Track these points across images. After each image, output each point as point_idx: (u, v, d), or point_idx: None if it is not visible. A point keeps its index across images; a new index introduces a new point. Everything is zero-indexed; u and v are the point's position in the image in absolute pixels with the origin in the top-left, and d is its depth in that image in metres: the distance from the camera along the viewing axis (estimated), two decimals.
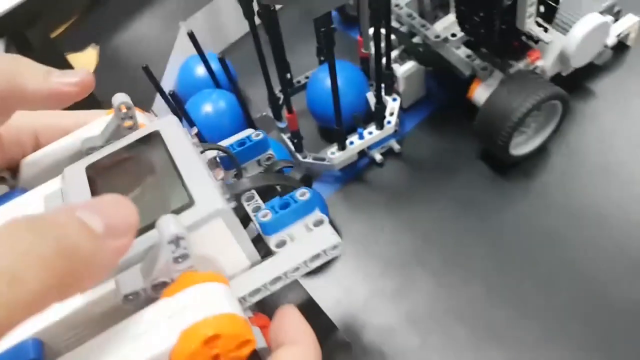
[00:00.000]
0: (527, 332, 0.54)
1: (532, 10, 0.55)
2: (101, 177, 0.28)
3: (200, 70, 0.74)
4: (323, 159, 0.65)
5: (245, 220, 0.30)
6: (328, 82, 0.56)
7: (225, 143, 0.34)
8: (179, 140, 0.29)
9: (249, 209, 0.31)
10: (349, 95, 0.64)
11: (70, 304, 0.24)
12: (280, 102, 0.66)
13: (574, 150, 0.65)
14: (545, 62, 0.63)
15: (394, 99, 0.67)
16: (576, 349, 0.52)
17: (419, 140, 0.71)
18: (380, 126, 0.65)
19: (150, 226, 0.24)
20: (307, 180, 0.36)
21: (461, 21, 0.61)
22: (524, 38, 0.60)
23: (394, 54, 0.68)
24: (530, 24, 0.56)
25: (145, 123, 0.32)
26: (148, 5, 1.05)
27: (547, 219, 0.60)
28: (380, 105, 0.63)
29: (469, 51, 0.65)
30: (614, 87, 0.70)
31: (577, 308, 0.54)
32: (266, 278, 0.27)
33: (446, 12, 0.68)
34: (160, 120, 0.31)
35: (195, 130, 0.35)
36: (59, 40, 1.01)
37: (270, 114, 0.68)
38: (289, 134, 0.66)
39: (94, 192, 0.28)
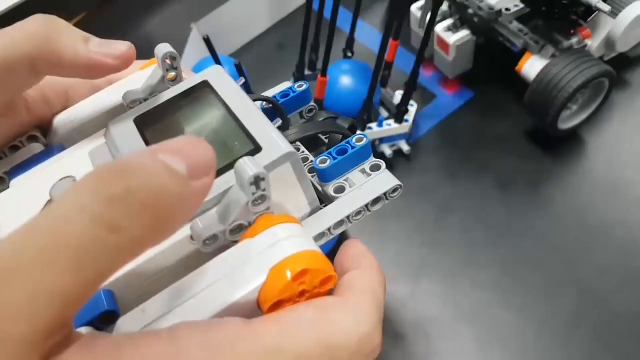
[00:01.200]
0: (533, 338, 0.56)
1: None
2: (152, 130, 0.27)
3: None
4: None
5: None
6: (347, 77, 0.62)
7: (268, 94, 0.33)
8: (230, 88, 0.28)
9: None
10: (363, 91, 0.66)
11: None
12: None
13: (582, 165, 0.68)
14: (594, 42, 0.66)
15: (412, 105, 0.69)
16: (580, 356, 0.54)
17: (429, 146, 0.72)
18: (399, 121, 0.67)
19: (221, 171, 0.24)
20: (353, 129, 0.34)
21: None
22: (575, 18, 0.62)
23: (448, 22, 0.70)
24: None
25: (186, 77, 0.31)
26: (158, 5, 1.02)
27: (555, 230, 0.63)
28: (407, 99, 0.65)
29: (520, 25, 0.67)
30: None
31: (581, 317, 0.56)
32: (330, 222, 0.27)
33: None
34: (206, 71, 0.30)
35: (242, 80, 0.34)
36: None
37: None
38: None
39: (147, 141, 0.27)
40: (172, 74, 0.30)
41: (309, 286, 0.23)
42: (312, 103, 0.34)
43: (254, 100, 0.30)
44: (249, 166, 0.22)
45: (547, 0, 0.60)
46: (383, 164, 0.29)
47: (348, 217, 0.27)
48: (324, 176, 0.28)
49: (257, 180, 0.22)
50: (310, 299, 0.23)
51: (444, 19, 0.71)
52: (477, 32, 0.70)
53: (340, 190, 0.28)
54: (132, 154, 0.19)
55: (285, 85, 0.34)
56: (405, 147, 0.70)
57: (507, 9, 0.67)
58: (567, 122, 0.66)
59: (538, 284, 0.59)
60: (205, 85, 0.29)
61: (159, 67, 0.29)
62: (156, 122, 0.28)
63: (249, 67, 0.74)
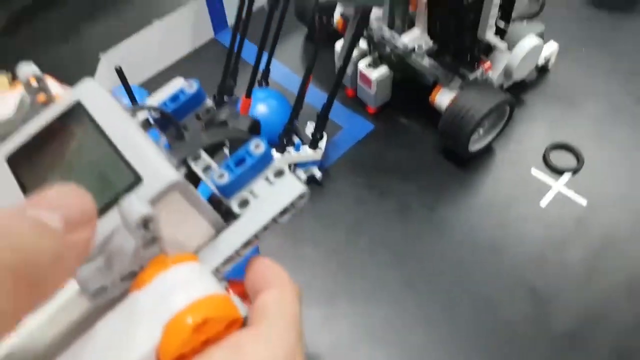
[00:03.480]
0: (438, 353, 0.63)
1: (492, 22, 0.66)
2: (26, 166, 0.24)
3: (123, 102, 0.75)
4: None
5: (193, 179, 0.27)
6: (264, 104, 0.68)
7: (156, 100, 0.30)
8: (105, 107, 0.25)
9: (197, 169, 0.27)
10: (281, 118, 0.71)
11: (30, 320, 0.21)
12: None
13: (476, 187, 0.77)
14: (494, 73, 0.76)
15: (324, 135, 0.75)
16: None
17: (338, 173, 0.79)
18: (313, 147, 0.73)
19: (102, 211, 0.21)
20: (255, 129, 0.31)
21: (431, 32, 0.72)
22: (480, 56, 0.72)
23: (368, 59, 0.77)
24: (490, 35, 0.68)
25: (62, 94, 0.27)
26: (70, 32, 1.04)
27: (451, 249, 0.71)
28: (322, 126, 0.71)
29: (431, 60, 0.76)
30: (538, 99, 0.85)
31: (479, 324, 0.64)
32: (236, 244, 0.24)
33: (412, 26, 0.79)
34: (77, 88, 0.26)
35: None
36: None
37: None
38: None
39: (22, 184, 0.24)
40: (41, 97, 0.26)
41: (212, 333, 0.21)
42: (208, 102, 0.30)
43: (140, 110, 0.28)
44: (134, 207, 0.19)
45: (453, 40, 0.69)
46: (286, 168, 0.26)
47: (255, 234, 0.25)
48: (224, 191, 0.25)
49: (145, 221, 0.20)
50: (218, 341, 0.21)
51: (364, 56, 0.79)
52: (394, 67, 0.77)
53: (245, 204, 0.25)
54: (2, 212, 0.17)
55: (175, 86, 0.30)
56: (317, 173, 0.75)
57: (419, 46, 0.75)
58: (477, 144, 0.75)
59: (438, 298, 0.67)
60: (77, 107, 0.25)
61: (25, 90, 0.26)
62: (30, 158, 0.25)
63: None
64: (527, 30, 0.75)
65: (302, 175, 0.74)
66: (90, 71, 0.84)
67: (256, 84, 0.75)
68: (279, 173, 0.26)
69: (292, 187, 0.25)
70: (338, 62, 0.64)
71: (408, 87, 0.82)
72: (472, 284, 0.68)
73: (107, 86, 0.80)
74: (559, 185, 0.76)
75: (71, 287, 0.21)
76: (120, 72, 0.63)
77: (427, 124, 0.81)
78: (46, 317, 0.21)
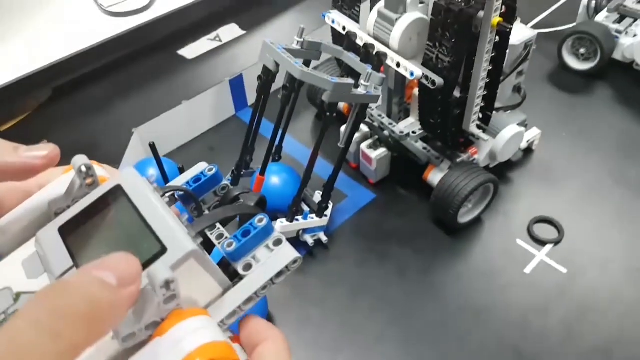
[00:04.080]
0: None
1: (475, 117, 0.78)
2: (75, 237, 0.30)
3: (152, 172, 0.80)
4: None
5: (209, 245, 0.33)
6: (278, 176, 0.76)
7: (181, 180, 0.36)
8: (140, 189, 0.31)
9: (212, 237, 0.33)
10: (291, 190, 0.81)
11: None
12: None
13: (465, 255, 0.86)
14: (480, 156, 0.86)
15: (330, 203, 0.84)
16: None
17: (342, 237, 0.88)
18: (320, 216, 0.83)
19: None
20: (262, 204, 0.38)
21: (423, 122, 0.83)
22: (470, 137, 0.83)
23: (369, 141, 0.89)
24: (473, 127, 0.79)
25: (107, 176, 0.34)
26: (103, 110, 1.16)
27: (443, 311, 0.78)
28: (327, 197, 0.81)
29: (424, 144, 0.87)
30: (523, 177, 0.96)
31: None
32: (239, 300, 0.30)
33: (407, 115, 0.91)
34: (120, 174, 0.32)
35: (153, 175, 0.35)
36: (8, 134, 1.07)
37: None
38: None
39: (71, 252, 0.29)
40: (89, 180, 0.32)
41: None
42: (224, 182, 0.37)
43: (168, 192, 0.34)
44: (160, 272, 0.25)
45: (441, 130, 0.80)
46: (284, 238, 0.32)
47: (255, 293, 0.30)
48: (232, 257, 0.31)
49: (167, 283, 0.25)
50: None
51: (366, 138, 0.90)
52: (392, 148, 0.88)
53: (248, 267, 0.31)
54: (72, 273, 0.24)
55: (200, 168, 0.37)
56: (323, 237, 0.84)
57: (413, 132, 0.86)
58: (465, 217, 0.85)
59: (431, 355, 0.74)
60: (118, 189, 0.31)
61: (77, 176, 0.32)
62: (78, 229, 0.30)
63: (184, 166, 0.84)
64: (510, 120, 0.86)
65: (310, 239, 0.83)
66: (124, 143, 0.95)
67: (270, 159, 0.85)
68: (278, 242, 0.31)
69: (287, 254, 0.31)
70: (341, 144, 0.74)
71: (405, 164, 0.92)
72: (462, 344, 0.75)
73: (139, 158, 0.91)
74: (541, 255, 0.85)
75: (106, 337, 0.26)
76: (153, 147, 0.72)
77: (422, 195, 0.91)
78: (86, 356, 0.24)
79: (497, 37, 0.68)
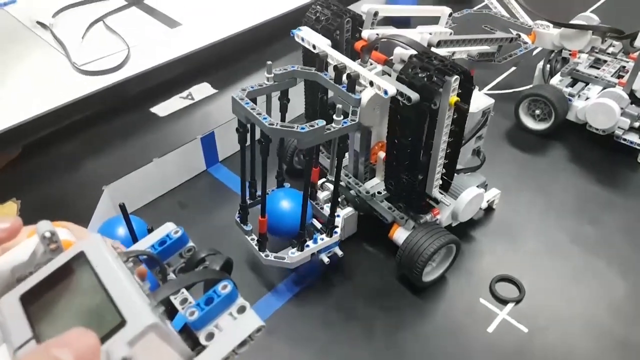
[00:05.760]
0: None
1: (437, 183, 0.81)
2: (36, 306, 0.30)
3: (121, 231, 0.83)
4: (283, 258, 0.83)
5: (173, 310, 0.33)
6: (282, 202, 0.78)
7: (147, 242, 0.36)
8: (103, 257, 0.31)
9: (176, 302, 0.33)
10: (297, 212, 0.83)
11: None
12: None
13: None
14: (443, 216, 0.90)
15: (338, 216, 0.87)
16: None
17: (308, 297, 0.89)
18: (330, 234, 0.85)
19: None
20: (228, 266, 0.37)
21: (387, 184, 0.87)
22: (432, 201, 0.86)
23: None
24: (435, 192, 0.82)
25: (71, 239, 0.34)
26: (73, 166, 1.16)
27: None
28: (334, 209, 0.83)
29: (389, 204, 0.90)
30: (485, 236, 0.99)
31: None
32: None
33: (372, 175, 0.94)
34: (84, 241, 0.32)
35: (117, 241, 0.35)
36: None
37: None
38: (252, 236, 0.84)
39: (32, 322, 0.29)
40: (53, 246, 0.32)
41: None
42: (190, 244, 0.37)
43: (133, 256, 0.34)
44: (117, 349, 0.25)
45: (405, 193, 0.83)
46: (248, 305, 0.31)
47: None
48: (194, 326, 0.31)
49: None
50: None
51: None
52: (358, 207, 0.91)
53: (211, 336, 0.30)
54: (30, 352, 0.25)
55: (166, 230, 0.36)
56: (339, 252, 0.87)
57: (379, 192, 0.90)
58: (429, 275, 0.87)
59: None
60: (81, 256, 0.31)
61: (41, 242, 0.32)
62: (39, 298, 0.30)
63: (153, 223, 0.82)
64: (470, 182, 0.90)
65: (325, 258, 0.86)
66: (94, 201, 0.95)
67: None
68: (242, 309, 0.31)
69: (251, 323, 0.31)
70: (330, 176, 0.76)
71: (371, 222, 0.95)
72: None
73: (109, 215, 0.92)
74: (503, 314, 0.87)
75: None
76: (122, 208, 0.72)
77: (389, 253, 0.93)
78: None
79: (455, 113, 0.73)
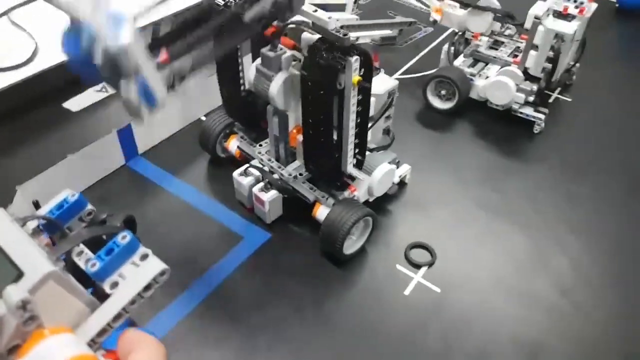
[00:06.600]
0: None
1: (351, 160, 0.87)
2: None
3: None
4: None
5: (82, 274, 0.32)
6: None
7: (45, 209, 0.36)
8: None
9: (80, 262, 0.33)
10: None
11: None
12: None
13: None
14: (359, 192, 0.96)
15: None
16: None
17: (237, 281, 0.92)
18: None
19: None
20: (131, 224, 0.40)
21: (307, 166, 0.91)
22: (347, 178, 0.92)
23: (261, 185, 0.95)
24: (350, 169, 0.88)
25: None
26: None
27: (337, 338, 0.86)
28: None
29: (311, 185, 0.95)
30: (399, 208, 1.07)
31: None
32: (107, 318, 0.30)
33: (294, 159, 0.98)
34: None
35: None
36: None
37: None
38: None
39: None
40: None
41: None
42: (89, 207, 0.37)
43: (30, 220, 0.34)
44: (14, 294, 0.25)
45: (324, 171, 0.88)
46: (150, 252, 0.31)
47: (124, 309, 0.30)
48: (98, 276, 0.31)
49: (24, 304, 0.25)
50: None
51: (257, 182, 0.96)
52: (282, 190, 0.95)
53: (115, 285, 0.31)
54: None
55: (62, 196, 0.37)
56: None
57: (300, 174, 0.94)
58: (350, 248, 0.93)
59: None
60: None
61: None
62: None
63: None
64: (382, 159, 0.97)
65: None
66: (7, 202, 0.92)
67: None
68: (144, 257, 0.31)
69: (154, 267, 0.31)
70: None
71: (296, 203, 1.00)
72: None
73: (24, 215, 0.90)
74: (418, 277, 0.95)
75: None
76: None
77: (313, 231, 0.98)
78: None
79: (360, 94, 0.78)
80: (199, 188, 1.10)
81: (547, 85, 1.24)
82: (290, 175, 0.93)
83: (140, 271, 0.31)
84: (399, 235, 1.02)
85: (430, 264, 0.97)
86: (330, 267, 0.95)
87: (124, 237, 0.31)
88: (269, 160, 0.96)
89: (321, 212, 0.93)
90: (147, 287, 0.31)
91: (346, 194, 0.94)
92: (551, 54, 1.18)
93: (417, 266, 0.96)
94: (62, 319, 0.29)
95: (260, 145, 1.01)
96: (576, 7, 1.21)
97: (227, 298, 0.90)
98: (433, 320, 0.89)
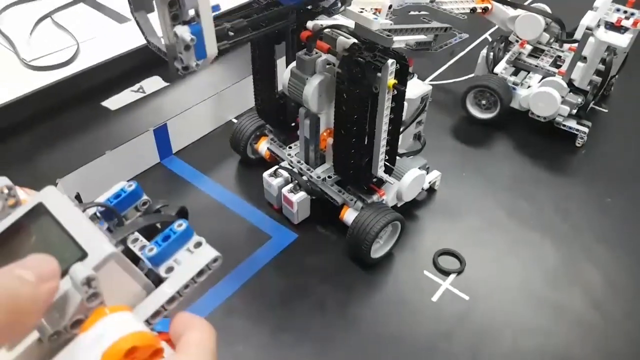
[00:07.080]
0: None
1: (381, 164, 0.87)
2: (1, 254, 0.31)
3: None
4: None
5: (135, 259, 0.34)
6: None
7: (102, 198, 0.38)
8: (62, 204, 0.32)
9: (135, 249, 0.35)
10: None
11: None
12: None
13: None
14: (388, 197, 0.96)
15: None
16: None
17: (265, 279, 0.94)
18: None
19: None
20: (183, 213, 0.40)
21: (337, 169, 0.92)
22: (376, 182, 0.92)
23: (290, 186, 0.96)
24: (380, 172, 0.88)
25: (28, 199, 0.35)
26: (26, 160, 1.16)
27: (363, 340, 0.86)
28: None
29: (339, 187, 0.95)
30: (428, 214, 1.06)
31: None
32: (162, 300, 0.31)
33: (323, 161, 0.99)
34: (40, 193, 0.34)
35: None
36: None
37: None
38: None
39: None
40: (11, 201, 0.34)
41: (142, 359, 0.27)
42: (144, 197, 0.38)
43: (89, 207, 0.36)
44: (80, 271, 0.27)
45: (353, 174, 0.89)
46: (203, 240, 0.33)
47: (178, 292, 0.32)
48: (154, 261, 0.32)
49: (89, 281, 0.27)
50: None
51: (287, 183, 0.97)
52: (310, 192, 0.96)
53: (170, 269, 0.32)
54: None
55: (119, 186, 0.38)
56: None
57: (329, 176, 0.95)
58: (377, 252, 0.93)
59: None
60: (40, 207, 0.33)
61: None
62: (3, 247, 0.32)
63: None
64: (412, 164, 0.97)
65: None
66: None
67: None
68: (198, 244, 0.33)
69: (207, 254, 0.32)
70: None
71: (323, 205, 1.01)
72: None
73: None
74: (446, 284, 0.94)
75: (32, 336, 0.28)
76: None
77: (340, 233, 0.99)
78: (15, 357, 0.27)
79: (394, 102, 0.78)
80: (229, 187, 1.12)
81: (594, 98, 1.20)
82: (319, 177, 0.94)
83: (194, 257, 0.32)
84: (427, 242, 1.01)
85: (459, 272, 0.96)
86: (357, 270, 0.95)
87: (179, 225, 0.33)
88: (299, 162, 0.97)
89: (349, 215, 0.93)
90: (200, 273, 0.32)
91: (375, 197, 0.94)
92: (601, 66, 1.15)
93: (446, 273, 0.96)
94: (121, 299, 0.30)
95: (290, 148, 1.02)
96: (627, 18, 1.16)
97: (254, 294, 0.91)
98: (460, 328, 0.88)
